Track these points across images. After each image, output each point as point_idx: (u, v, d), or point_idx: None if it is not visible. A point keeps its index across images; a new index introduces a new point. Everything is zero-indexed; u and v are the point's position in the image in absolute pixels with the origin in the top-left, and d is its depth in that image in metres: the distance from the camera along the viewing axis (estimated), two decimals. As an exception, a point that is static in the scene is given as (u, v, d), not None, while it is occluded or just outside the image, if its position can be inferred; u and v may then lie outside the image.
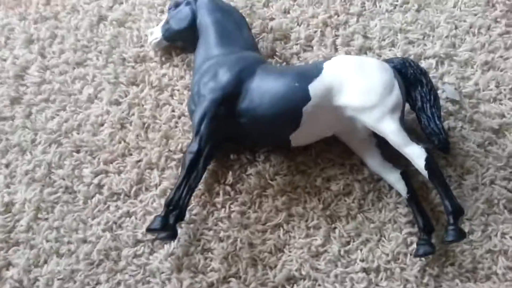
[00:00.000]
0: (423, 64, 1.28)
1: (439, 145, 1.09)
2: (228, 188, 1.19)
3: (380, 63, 1.11)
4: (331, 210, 1.16)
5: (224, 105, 1.10)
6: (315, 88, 1.07)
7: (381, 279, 1.10)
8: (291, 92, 1.08)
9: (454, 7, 1.38)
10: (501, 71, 1.29)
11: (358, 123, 1.10)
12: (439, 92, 1.25)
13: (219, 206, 1.18)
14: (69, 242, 1.16)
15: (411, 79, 1.12)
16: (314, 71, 1.10)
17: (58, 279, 1.11)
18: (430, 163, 1.01)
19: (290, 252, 1.13)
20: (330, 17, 1.37)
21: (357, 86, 1.06)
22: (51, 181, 1.22)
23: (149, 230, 1.04)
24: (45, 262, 1.14)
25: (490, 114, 1.24)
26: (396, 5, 1.39)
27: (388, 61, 1.15)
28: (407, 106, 1.17)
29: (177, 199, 1.05)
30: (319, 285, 1.10)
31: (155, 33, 1.32)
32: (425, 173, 1.02)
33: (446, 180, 1.03)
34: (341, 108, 1.08)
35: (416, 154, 1.02)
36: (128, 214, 1.18)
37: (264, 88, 1.10)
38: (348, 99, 1.07)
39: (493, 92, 1.26)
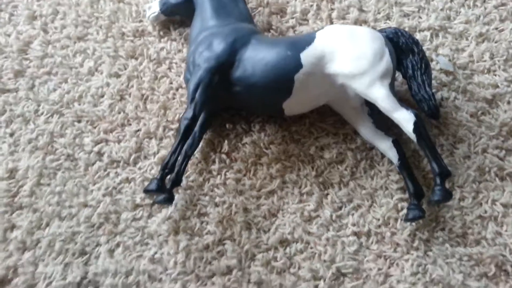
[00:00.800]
0: (418, 36, 1.30)
1: (428, 111, 1.11)
2: (223, 156, 1.22)
3: (371, 31, 1.13)
4: (324, 177, 1.19)
5: (218, 74, 1.13)
6: (307, 56, 1.10)
7: (372, 242, 1.12)
8: (283, 61, 1.10)
9: (450, -20, 1.39)
10: (496, 42, 1.30)
11: (350, 91, 1.12)
12: (433, 63, 1.27)
13: (215, 173, 1.21)
14: (70, 206, 1.19)
15: (402, 47, 1.13)
16: (306, 40, 1.12)
17: (60, 241, 1.15)
18: (418, 127, 1.03)
19: (283, 216, 1.16)
20: (326, -10, 1.39)
21: (348, 54, 1.08)
22: (53, 149, 1.26)
23: (146, 191, 1.08)
24: (47, 224, 1.18)
25: (484, 85, 1.25)
26: (392, -22, 1.40)
27: (380, 30, 1.17)
28: (400, 78, 1.19)
29: (172, 162, 1.08)
30: (311, 247, 1.12)
31: (153, 8, 1.35)
32: (413, 136, 1.03)
33: (434, 144, 1.05)
34: (332, 75, 1.10)
35: (405, 119, 1.04)
36: (127, 180, 1.22)
37: (257, 57, 1.12)
38: (339, 67, 1.09)
39: (487, 63, 1.27)
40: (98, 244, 1.15)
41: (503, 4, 1.35)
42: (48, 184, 1.22)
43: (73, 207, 1.19)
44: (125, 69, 1.35)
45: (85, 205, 1.20)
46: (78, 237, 1.16)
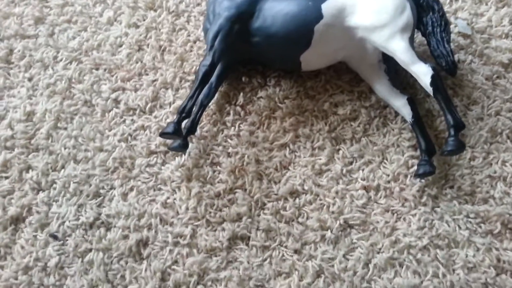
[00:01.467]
0: (437, -1, 1.29)
1: (446, 66, 1.11)
2: (238, 108, 1.24)
3: (393, -14, 1.13)
4: (337, 133, 1.20)
5: (238, 23, 1.14)
6: (328, 7, 1.10)
7: (380, 197, 1.14)
8: (304, 11, 1.10)
9: None
10: (516, 8, 1.30)
11: (369, 46, 1.13)
12: (451, 26, 1.26)
13: (229, 124, 1.23)
14: (86, 150, 1.22)
15: (423, 5, 1.14)
16: (328, -8, 1.13)
17: (74, 182, 1.17)
18: (435, 80, 1.03)
19: (294, 169, 1.18)
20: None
21: (369, 6, 1.09)
22: (71, 95, 1.28)
23: (162, 134, 1.09)
24: (63, 167, 1.20)
25: (501, 49, 1.25)
26: None
27: (402, -13, 1.17)
28: (418, 39, 1.19)
29: (190, 107, 1.10)
30: (320, 199, 1.14)
31: (175, -41, 1.36)
32: (430, 90, 1.04)
33: (450, 98, 1.05)
34: (353, 28, 1.11)
35: (423, 72, 1.04)
36: (143, 127, 1.24)
37: (278, 7, 1.13)
38: (360, 19, 1.09)
39: (505, 28, 1.27)
40: (112, 187, 1.18)
41: (526, -30, 1.34)
42: (65, 128, 1.24)
43: (89, 151, 1.22)
44: (144, 20, 1.36)
45: (101, 149, 1.22)
46: (92, 179, 1.18)
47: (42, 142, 1.23)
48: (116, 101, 1.27)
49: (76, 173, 1.19)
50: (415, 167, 1.13)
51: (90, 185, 1.18)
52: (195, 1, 1.37)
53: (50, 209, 1.15)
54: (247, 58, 1.23)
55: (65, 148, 1.22)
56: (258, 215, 1.13)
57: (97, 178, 1.19)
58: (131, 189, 1.18)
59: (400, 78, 1.19)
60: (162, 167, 1.19)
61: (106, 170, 1.20)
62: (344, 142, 1.20)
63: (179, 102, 1.25)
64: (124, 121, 1.25)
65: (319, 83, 1.25)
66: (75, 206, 1.15)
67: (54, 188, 1.18)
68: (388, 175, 1.15)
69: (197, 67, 1.26)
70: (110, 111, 1.26)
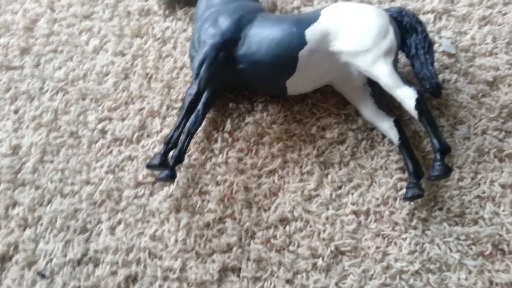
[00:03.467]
0: (421, 18, 1.30)
1: (430, 89, 1.11)
2: (226, 135, 1.23)
3: (376, 9, 1.13)
4: (325, 157, 1.20)
5: (223, 50, 1.13)
6: (312, 33, 1.10)
7: (370, 221, 1.13)
8: (288, 37, 1.10)
9: (455, -37, 1.39)
10: (499, 25, 1.30)
11: (353, 70, 1.13)
12: (435, 45, 1.27)
13: (217, 152, 1.22)
14: (72, 183, 1.21)
15: (406, 27, 1.14)
16: (312, 17, 1.13)
17: (61, 218, 1.16)
18: (420, 103, 1.03)
19: (283, 195, 1.17)
20: (331, -27, 1.40)
21: (353, 31, 1.09)
22: (57, 126, 1.27)
23: (148, 166, 1.08)
24: (49, 201, 1.19)
25: (485, 67, 1.25)
26: (397, -38, 1.41)
27: (385, 9, 1.17)
28: (402, 60, 1.20)
29: (176, 138, 1.09)
30: (310, 226, 1.14)
31: (159, -13, 1.36)
32: (415, 113, 1.04)
33: (435, 120, 1.05)
34: (337, 53, 1.10)
35: (408, 96, 1.04)
36: (130, 158, 1.23)
37: (263, 34, 1.13)
38: (344, 44, 1.09)
39: (489, 46, 1.28)
40: (99, 221, 1.17)
41: (507, -12, 1.35)
42: (51, 161, 1.23)
43: (76, 184, 1.21)
44: (130, 47, 1.36)
45: (88, 182, 1.21)
46: (79, 214, 1.17)
47: (28, 176, 1.22)
48: (103, 132, 1.26)
49: (63, 208, 1.18)
50: (404, 190, 1.12)
51: (77, 220, 1.17)
52: (181, 27, 1.37)
53: (37, 246, 1.14)
54: (233, 84, 1.22)
55: (51, 182, 1.21)
56: (249, 244, 1.12)
57: (84, 212, 1.17)
58: (119, 223, 1.16)
59: (385, 100, 1.19)
60: (150, 198, 1.18)
61: (93, 203, 1.19)
62: (332, 166, 1.19)
63: (166, 131, 1.25)
64: (111, 152, 1.24)
65: (306, 106, 1.25)
66: (62, 242, 1.14)
67: (41, 224, 1.17)
68: (378, 199, 1.15)
69: (184, 94, 1.27)
70: (96, 142, 1.25)
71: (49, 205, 1.18)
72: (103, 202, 1.19)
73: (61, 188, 1.20)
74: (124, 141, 1.25)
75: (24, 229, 1.15)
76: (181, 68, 1.32)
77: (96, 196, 1.19)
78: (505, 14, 1.31)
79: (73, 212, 1.17)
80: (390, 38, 1.08)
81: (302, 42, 1.10)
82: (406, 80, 1.08)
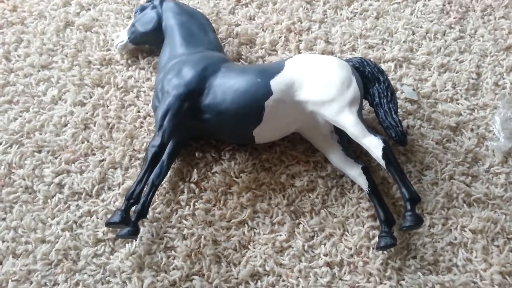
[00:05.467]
0: (383, 67, 1.34)
1: (396, 137, 1.12)
2: (193, 186, 1.19)
3: (338, 60, 1.15)
4: (296, 206, 1.17)
5: (187, 101, 1.11)
6: (277, 83, 1.10)
7: (345, 273, 1.09)
8: (254, 87, 1.10)
9: (411, 14, 1.45)
10: (457, 72, 1.35)
11: (320, 118, 1.13)
12: (398, 92, 1.30)
13: (183, 204, 1.17)
14: (26, 242, 1.12)
15: (369, 76, 1.16)
16: (276, 68, 1.13)
17: (13, 280, 1.07)
18: (387, 153, 1.03)
19: (254, 248, 1.12)
20: (293, 23, 1.43)
21: (317, 82, 1.10)
22: (10, 181, 1.19)
23: (108, 224, 1.01)
24: (0, 263, 1.09)
25: (448, 113, 1.28)
26: (356, 12, 1.46)
27: (347, 60, 1.19)
28: (367, 107, 1.21)
29: (138, 192, 1.04)
30: (283, 280, 1.09)
31: (121, 36, 1.34)
32: (382, 162, 1.04)
33: (403, 169, 1.05)
34: (302, 102, 1.10)
35: (374, 145, 1.04)
36: (89, 213, 1.16)
37: (227, 84, 1.11)
38: (308, 94, 1.09)
39: (449, 92, 1.32)
40: (55, 283, 1.08)
41: (461, 37, 1.41)
42: (4, 219, 1.15)
43: (30, 243, 1.12)
44: (91, 97, 1.31)
45: (43, 240, 1.12)
46: (34, 276, 1.08)
47: (-23, 236, 1.12)
48: (60, 186, 1.19)
49: (15, 270, 1.09)
50: (377, 239, 1.10)
51: (31, 283, 1.08)
52: (145, 76, 1.35)
53: (-14, 314, 1.03)
54: (199, 134, 1.19)
55: (3, 242, 1.12)
56: (218, 303, 1.06)
57: (39, 274, 1.08)
58: (77, 284, 1.08)
59: (353, 146, 1.19)
60: (111, 257, 1.11)
61: (48, 264, 1.10)
62: (303, 215, 1.16)
63: (129, 183, 1.19)
64: (68, 207, 1.17)
65: (275, 154, 1.23)
66: (14, 308, 1.04)
67: (-10, 289, 1.06)
68: (351, 249, 1.12)
69: (147, 145, 1.22)
70: (53, 197, 1.17)
71: (0, 267, 1.08)
72: (60, 262, 1.10)
73: (13, 248, 1.11)
74: (83, 195, 1.18)
75: (-30, 297, 1.05)
76: (145, 118, 1.28)
77: (52, 255, 1.10)
78: (461, 61, 1.37)
79: (26, 274, 1.08)
80: (354, 88, 1.09)
81: (268, 92, 1.09)
82: (371, 128, 1.09)
